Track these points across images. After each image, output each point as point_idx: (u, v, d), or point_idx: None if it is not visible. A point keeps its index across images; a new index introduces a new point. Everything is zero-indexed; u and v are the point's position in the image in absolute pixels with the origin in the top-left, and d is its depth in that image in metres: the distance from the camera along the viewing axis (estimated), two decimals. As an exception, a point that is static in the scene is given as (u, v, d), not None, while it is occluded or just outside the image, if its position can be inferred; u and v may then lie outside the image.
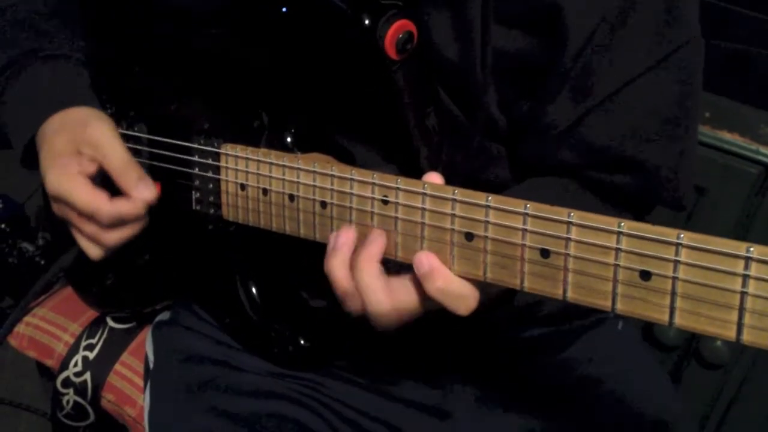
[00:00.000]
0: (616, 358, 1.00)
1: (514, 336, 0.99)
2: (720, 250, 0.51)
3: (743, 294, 0.50)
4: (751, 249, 0.50)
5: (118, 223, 0.85)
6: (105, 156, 0.85)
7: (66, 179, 0.84)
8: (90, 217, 0.85)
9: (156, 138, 0.94)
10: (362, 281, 0.70)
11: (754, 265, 0.50)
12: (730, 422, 1.47)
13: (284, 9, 0.78)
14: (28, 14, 0.97)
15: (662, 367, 1.49)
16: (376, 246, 0.70)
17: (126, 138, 0.93)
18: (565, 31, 0.79)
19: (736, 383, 1.44)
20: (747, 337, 0.51)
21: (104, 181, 0.86)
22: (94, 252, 0.89)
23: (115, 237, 0.86)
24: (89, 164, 0.86)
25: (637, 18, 0.79)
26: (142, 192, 0.85)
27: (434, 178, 0.69)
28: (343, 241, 0.72)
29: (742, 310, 0.51)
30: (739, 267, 0.50)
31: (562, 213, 0.57)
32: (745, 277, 0.50)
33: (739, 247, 0.50)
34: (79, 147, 0.85)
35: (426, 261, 0.67)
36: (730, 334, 0.52)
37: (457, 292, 0.67)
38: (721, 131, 1.32)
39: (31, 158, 0.92)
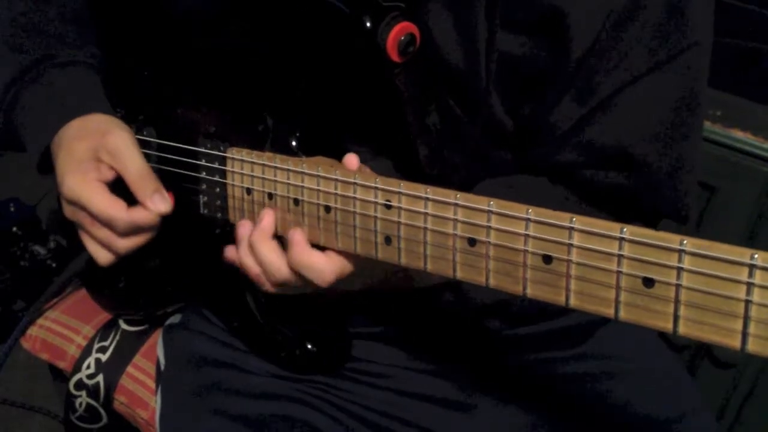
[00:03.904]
0: (630, 353, 1.00)
1: (530, 330, 0.99)
2: (723, 257, 0.50)
3: (747, 302, 0.49)
4: (756, 256, 0.49)
5: (133, 231, 0.86)
6: (123, 165, 0.85)
7: (85, 185, 0.84)
8: (105, 224, 0.85)
9: (164, 142, 0.94)
10: (260, 257, 0.78)
11: (758, 273, 0.49)
12: (744, 421, 1.46)
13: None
14: (43, 20, 0.98)
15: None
16: (264, 223, 0.79)
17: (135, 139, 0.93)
18: (569, 35, 0.79)
19: (749, 382, 1.42)
20: (752, 347, 0.50)
21: (119, 187, 0.87)
22: (103, 257, 0.89)
23: (126, 244, 0.87)
24: (108, 171, 0.86)
25: (642, 21, 0.79)
26: (158, 204, 0.85)
27: (352, 160, 0.75)
28: (242, 233, 0.82)
29: (746, 318, 0.50)
30: (743, 275, 0.49)
31: (564, 218, 0.57)
32: (750, 285, 0.49)
33: (744, 254, 0.49)
34: (99, 154, 0.86)
35: (292, 235, 0.76)
36: (735, 343, 0.51)
37: (307, 264, 0.75)
38: (732, 129, 1.31)
39: (44, 163, 0.93)
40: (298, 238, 0.76)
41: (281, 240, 0.80)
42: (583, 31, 0.79)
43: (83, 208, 0.85)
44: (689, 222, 0.90)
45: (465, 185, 0.64)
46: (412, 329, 1.00)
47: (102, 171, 0.86)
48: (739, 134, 1.31)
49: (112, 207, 0.84)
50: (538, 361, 0.99)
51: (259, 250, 0.78)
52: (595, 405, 0.94)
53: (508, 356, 0.99)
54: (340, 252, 0.75)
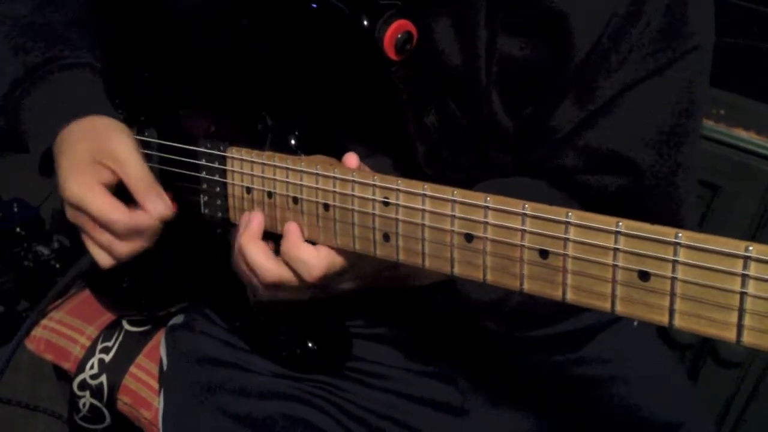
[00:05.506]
0: (631, 358, 0.99)
1: (529, 334, 0.98)
2: (718, 249, 0.50)
3: (743, 294, 0.49)
4: (750, 248, 0.48)
5: (133, 234, 0.86)
6: (125, 170, 0.86)
7: (86, 187, 0.85)
8: (105, 227, 0.85)
9: (165, 143, 0.95)
10: (248, 258, 0.79)
11: (753, 265, 0.49)
12: (748, 420, 1.45)
13: (314, 5, 0.78)
14: (47, 22, 0.98)
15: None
16: (252, 226, 0.80)
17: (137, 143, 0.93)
18: (571, 38, 0.79)
19: (753, 381, 1.42)
20: (747, 338, 0.50)
21: (121, 191, 0.87)
22: (104, 260, 0.89)
23: (127, 248, 0.87)
24: (109, 175, 0.86)
25: (643, 24, 0.79)
26: (158, 208, 0.86)
27: (351, 159, 0.75)
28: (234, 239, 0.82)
29: (741, 311, 0.49)
30: (737, 267, 0.49)
31: (560, 213, 0.57)
32: (745, 276, 0.49)
33: (738, 246, 0.49)
34: (101, 158, 0.86)
35: (286, 228, 0.78)
36: (731, 335, 0.50)
37: (296, 257, 0.76)
38: (736, 129, 1.30)
39: (46, 165, 0.93)
40: (292, 230, 0.77)
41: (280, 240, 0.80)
42: (585, 35, 0.79)
43: (84, 210, 0.85)
44: (692, 222, 0.89)
45: (463, 186, 0.64)
46: (411, 331, 1.00)
47: (103, 174, 0.86)
48: (742, 133, 1.30)
49: (113, 210, 0.84)
50: (537, 365, 0.98)
51: (247, 251, 0.79)
52: (593, 411, 0.94)
53: (507, 360, 0.99)
54: (331, 248, 0.76)
